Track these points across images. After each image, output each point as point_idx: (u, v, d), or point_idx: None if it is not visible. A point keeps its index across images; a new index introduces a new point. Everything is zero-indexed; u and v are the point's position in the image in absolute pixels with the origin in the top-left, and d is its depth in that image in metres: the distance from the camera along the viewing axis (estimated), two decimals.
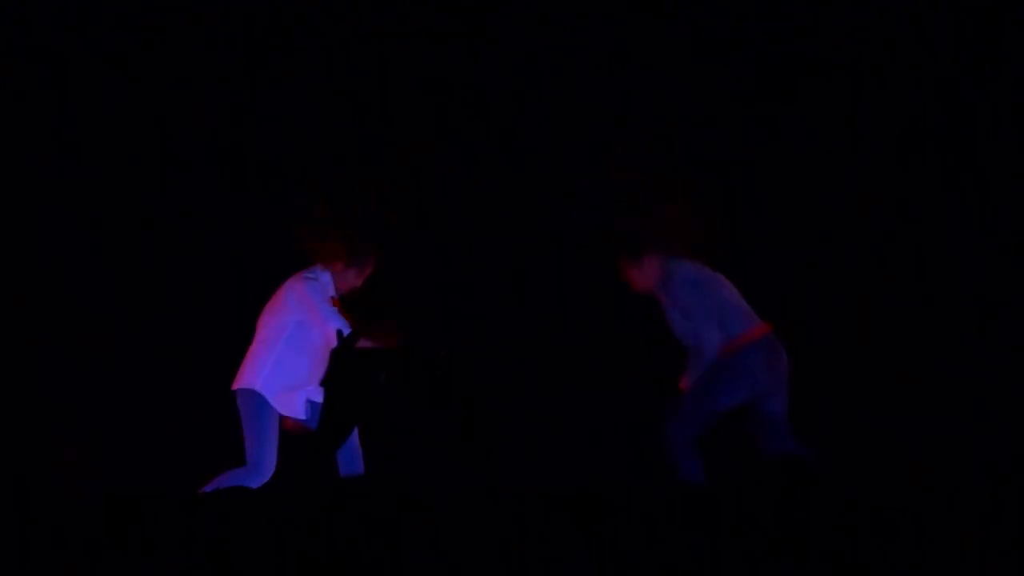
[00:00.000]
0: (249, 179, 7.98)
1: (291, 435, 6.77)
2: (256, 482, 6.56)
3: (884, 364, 7.91)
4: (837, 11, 7.87)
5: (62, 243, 7.92)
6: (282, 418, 6.75)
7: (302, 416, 6.72)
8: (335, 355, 6.68)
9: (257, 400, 6.68)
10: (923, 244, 7.91)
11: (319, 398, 6.74)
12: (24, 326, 7.89)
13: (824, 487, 5.42)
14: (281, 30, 7.95)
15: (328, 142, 8.00)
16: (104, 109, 7.90)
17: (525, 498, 5.35)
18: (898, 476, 7.68)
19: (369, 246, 6.85)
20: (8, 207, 7.88)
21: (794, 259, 7.95)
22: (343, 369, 6.62)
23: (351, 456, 6.78)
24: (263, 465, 6.61)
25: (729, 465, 6.81)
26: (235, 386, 6.72)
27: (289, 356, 6.71)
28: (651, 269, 6.77)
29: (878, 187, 7.91)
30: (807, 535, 5.11)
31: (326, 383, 6.72)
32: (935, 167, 7.89)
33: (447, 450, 6.92)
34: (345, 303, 6.83)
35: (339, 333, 6.69)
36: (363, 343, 6.67)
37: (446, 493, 5.26)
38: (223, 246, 7.97)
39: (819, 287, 7.95)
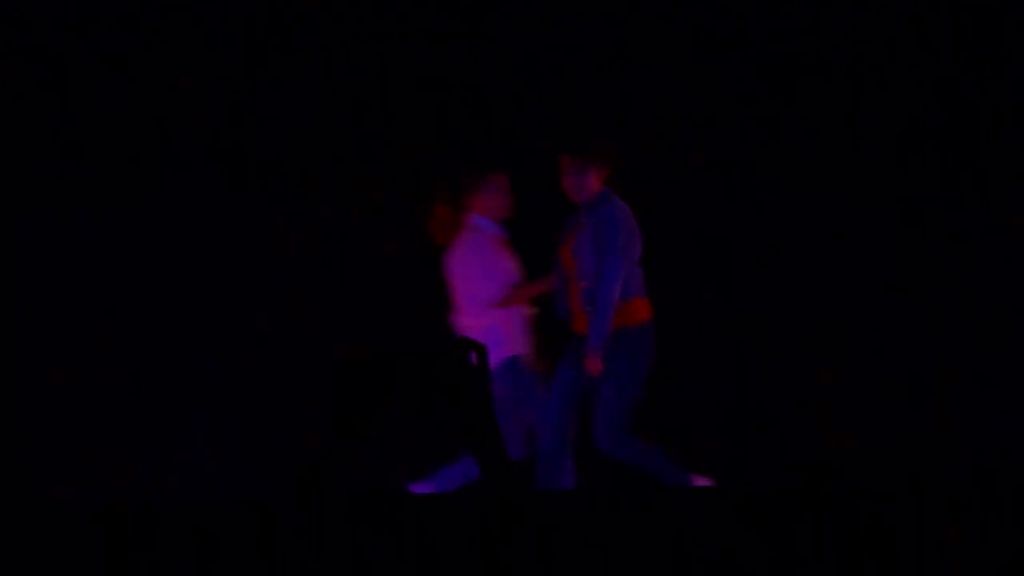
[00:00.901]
0: (249, 179, 7.98)
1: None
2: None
3: (884, 363, 7.91)
4: (837, 11, 7.87)
5: (61, 243, 7.91)
6: None
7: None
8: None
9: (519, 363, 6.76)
10: (923, 244, 7.91)
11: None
12: (23, 327, 7.89)
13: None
14: (281, 30, 7.95)
15: (328, 142, 8.00)
16: (104, 109, 7.90)
17: (533, 501, 5.35)
18: (897, 475, 7.69)
19: (482, 165, 6.94)
20: (8, 207, 7.87)
21: (794, 259, 7.95)
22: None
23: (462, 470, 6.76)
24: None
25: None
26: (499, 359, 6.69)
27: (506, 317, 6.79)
28: (594, 181, 6.63)
29: (878, 187, 7.91)
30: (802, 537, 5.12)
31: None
32: (935, 167, 7.89)
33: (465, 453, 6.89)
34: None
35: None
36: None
37: (461, 498, 5.25)
38: (223, 246, 7.96)
39: (818, 287, 7.95)
